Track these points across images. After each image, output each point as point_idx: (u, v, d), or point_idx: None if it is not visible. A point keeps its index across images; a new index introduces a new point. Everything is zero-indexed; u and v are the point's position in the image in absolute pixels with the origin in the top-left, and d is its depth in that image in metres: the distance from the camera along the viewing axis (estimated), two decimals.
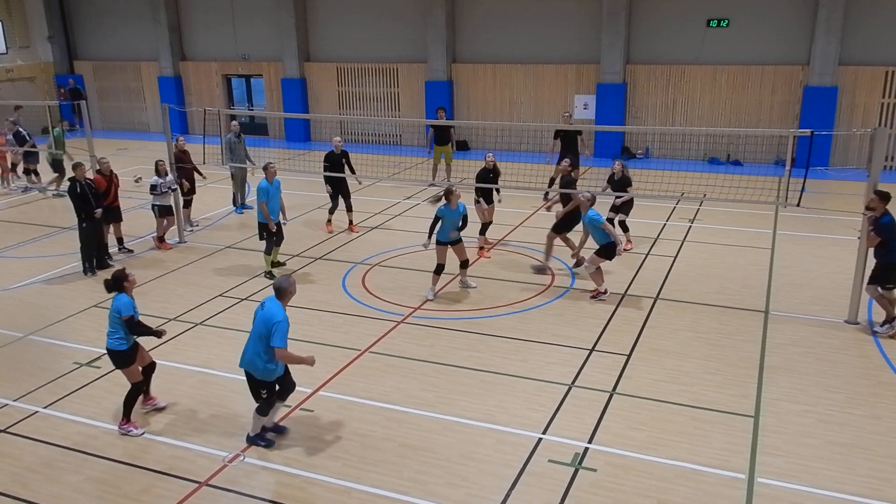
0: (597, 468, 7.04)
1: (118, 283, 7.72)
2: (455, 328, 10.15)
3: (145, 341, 8.12)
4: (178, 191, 13.96)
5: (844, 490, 6.69)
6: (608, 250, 10.99)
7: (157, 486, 6.91)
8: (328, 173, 14.28)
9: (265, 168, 12.13)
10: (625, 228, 13.30)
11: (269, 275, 12.15)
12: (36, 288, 12.11)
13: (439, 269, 11.20)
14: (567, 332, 10.02)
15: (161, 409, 8.22)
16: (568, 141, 16.76)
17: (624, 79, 21.58)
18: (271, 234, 12.01)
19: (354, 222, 14.89)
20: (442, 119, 18.03)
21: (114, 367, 7.96)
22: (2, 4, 26.87)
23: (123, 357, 7.76)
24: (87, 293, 11.67)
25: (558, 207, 12.75)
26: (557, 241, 12.38)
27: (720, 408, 8.08)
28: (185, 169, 14.86)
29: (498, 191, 13.38)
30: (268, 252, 12.17)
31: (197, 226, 15.34)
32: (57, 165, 18.13)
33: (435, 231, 10.99)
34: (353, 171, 14.64)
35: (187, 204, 14.95)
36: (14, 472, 7.19)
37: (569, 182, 12.91)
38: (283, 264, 12.69)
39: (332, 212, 14.76)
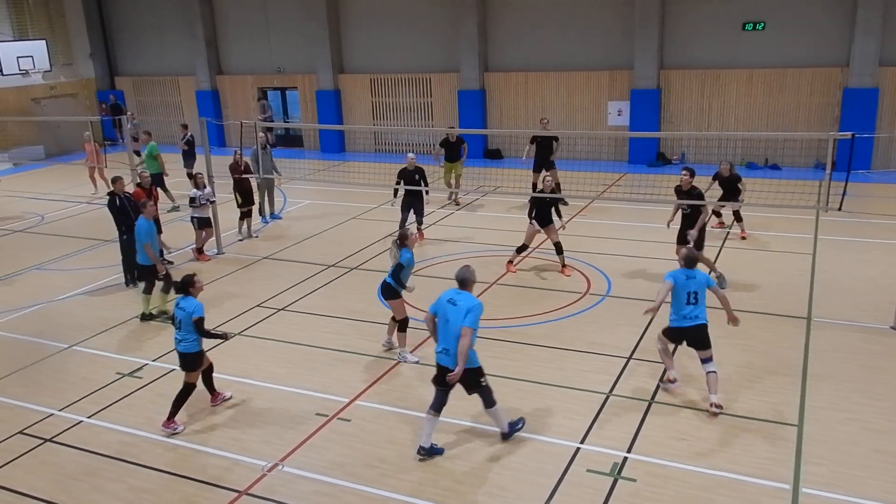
0: (636, 478, 6.96)
1: (185, 287, 8.11)
2: (490, 337, 10.11)
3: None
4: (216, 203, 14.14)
5: (891, 500, 6.52)
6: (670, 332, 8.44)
7: (197, 496, 7.00)
8: (406, 187, 14.12)
9: (144, 205, 11.24)
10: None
11: (149, 317, 11.09)
12: (79, 300, 12.37)
13: (405, 323, 9.57)
14: (603, 340, 9.94)
15: (228, 400, 8.66)
16: (544, 147, 16.70)
17: (658, 84, 21.39)
18: (166, 278, 11.05)
19: (423, 231, 14.74)
20: (453, 138, 17.60)
21: (181, 369, 8.22)
22: (45, 23, 27.64)
23: (194, 359, 8.14)
24: (129, 304, 11.88)
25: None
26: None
27: (761, 416, 7.94)
28: (237, 180, 15.04)
29: (559, 211, 12.60)
30: (147, 292, 11.13)
31: (256, 237, 15.51)
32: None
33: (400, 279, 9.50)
34: (426, 187, 14.37)
35: (244, 216, 15.31)
36: (58, 481, 7.34)
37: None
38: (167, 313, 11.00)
39: (402, 225, 14.04)
